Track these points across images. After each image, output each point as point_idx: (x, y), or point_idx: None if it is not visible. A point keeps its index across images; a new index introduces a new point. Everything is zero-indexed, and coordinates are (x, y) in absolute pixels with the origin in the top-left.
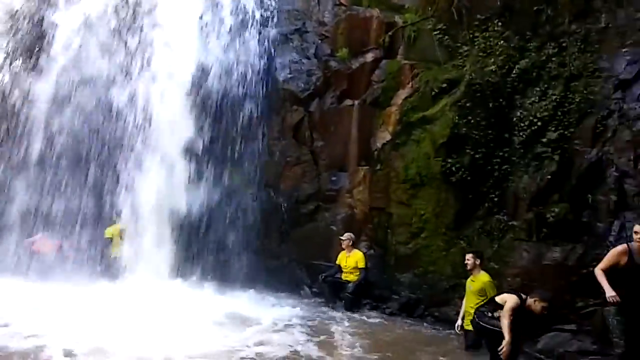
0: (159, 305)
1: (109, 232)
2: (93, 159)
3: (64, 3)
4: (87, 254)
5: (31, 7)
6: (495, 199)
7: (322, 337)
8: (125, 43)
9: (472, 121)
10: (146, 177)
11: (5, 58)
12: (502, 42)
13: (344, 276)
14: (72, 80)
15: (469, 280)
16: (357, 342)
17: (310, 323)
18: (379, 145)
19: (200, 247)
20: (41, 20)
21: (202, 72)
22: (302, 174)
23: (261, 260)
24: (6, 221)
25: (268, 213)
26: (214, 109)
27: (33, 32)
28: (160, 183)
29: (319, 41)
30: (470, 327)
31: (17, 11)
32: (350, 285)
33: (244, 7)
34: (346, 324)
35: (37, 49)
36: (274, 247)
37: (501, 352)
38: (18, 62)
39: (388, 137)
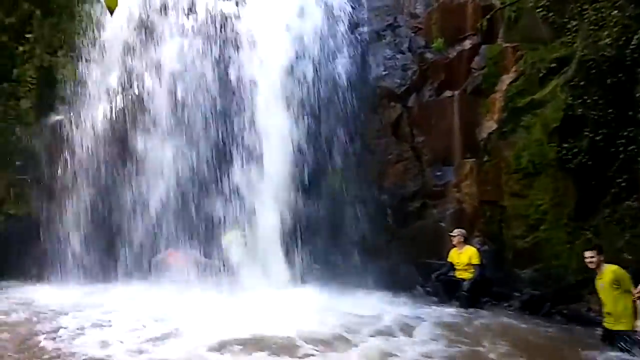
0: (280, 309)
1: (226, 238)
2: (204, 167)
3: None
4: (209, 262)
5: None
6: (623, 184)
7: (456, 336)
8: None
9: (588, 101)
10: (256, 183)
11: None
12: (615, 12)
13: (457, 274)
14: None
15: (596, 280)
16: (498, 341)
17: (437, 321)
18: (484, 135)
19: (310, 249)
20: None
21: (297, 76)
22: (404, 171)
23: (371, 261)
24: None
25: (373, 212)
26: (311, 112)
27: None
28: (270, 187)
29: (412, 34)
30: (618, 327)
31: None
32: (465, 283)
33: (335, 9)
34: (476, 322)
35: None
36: (383, 247)
37: None
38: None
39: (494, 125)
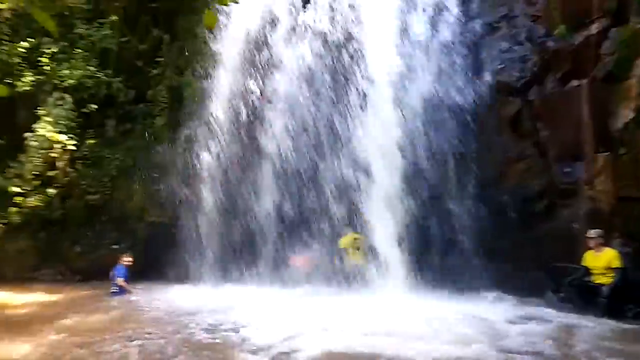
0: (401, 311)
1: (343, 242)
2: (321, 171)
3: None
4: (328, 265)
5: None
6: None
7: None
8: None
9: None
10: (369, 186)
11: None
12: None
13: (594, 279)
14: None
15: None
16: None
17: (593, 332)
18: (619, 125)
19: (427, 252)
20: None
21: (407, 73)
22: (526, 170)
23: (494, 264)
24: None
25: (493, 214)
26: (424, 111)
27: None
28: (383, 190)
29: (531, 23)
30: None
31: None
32: (604, 288)
33: (444, 2)
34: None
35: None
36: (507, 250)
37: None
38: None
39: (630, 114)
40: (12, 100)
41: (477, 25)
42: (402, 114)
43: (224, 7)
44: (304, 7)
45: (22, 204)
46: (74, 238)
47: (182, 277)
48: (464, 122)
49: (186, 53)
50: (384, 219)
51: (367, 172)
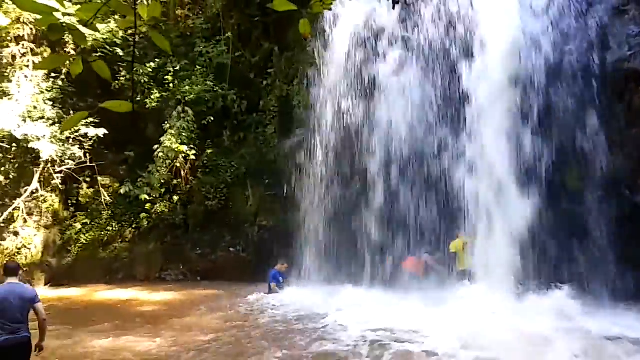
0: (516, 316)
1: (453, 246)
2: (426, 175)
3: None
4: (438, 268)
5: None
6: None
7: None
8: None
9: None
10: (481, 186)
11: None
12: None
13: None
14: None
15: None
16: None
17: None
18: None
19: (548, 256)
20: None
21: (525, 65)
22: None
23: (630, 271)
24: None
25: (626, 216)
26: (544, 105)
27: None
28: (499, 190)
29: None
30: None
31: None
32: None
33: None
34: None
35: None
36: None
37: None
38: None
39: None
40: (141, 115)
41: (601, 10)
42: (519, 109)
43: (331, 17)
44: (393, 7)
45: (151, 210)
46: (194, 241)
47: (295, 278)
48: (590, 117)
49: (294, 64)
50: (499, 222)
51: (479, 174)
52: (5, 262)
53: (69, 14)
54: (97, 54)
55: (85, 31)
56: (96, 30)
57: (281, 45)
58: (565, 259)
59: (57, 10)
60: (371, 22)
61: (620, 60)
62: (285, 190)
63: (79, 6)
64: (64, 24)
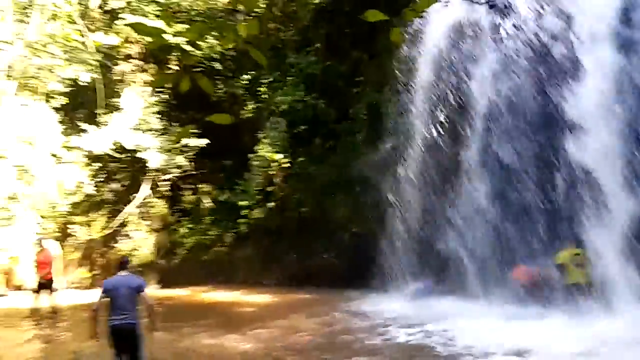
0: None
1: (561, 257)
2: (524, 183)
3: None
4: (548, 280)
5: None
6: None
7: None
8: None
9: None
10: (589, 196)
11: None
12: None
13: None
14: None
15: None
16: None
17: None
18: None
19: None
20: None
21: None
22: None
23: None
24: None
25: None
26: None
27: None
28: (605, 202)
29: None
30: None
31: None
32: None
33: None
34: None
35: None
36: None
37: None
38: None
39: None
40: (237, 126)
41: None
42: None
43: (422, 22)
44: (490, 7)
45: (248, 216)
46: (289, 247)
47: (382, 287)
48: None
49: (383, 71)
50: (608, 233)
51: (588, 180)
52: (120, 257)
53: (176, 35)
54: (197, 69)
55: (190, 49)
56: (199, 48)
57: (370, 53)
58: None
59: (167, 32)
60: (465, 27)
61: None
62: (377, 197)
63: (184, 25)
64: (173, 45)
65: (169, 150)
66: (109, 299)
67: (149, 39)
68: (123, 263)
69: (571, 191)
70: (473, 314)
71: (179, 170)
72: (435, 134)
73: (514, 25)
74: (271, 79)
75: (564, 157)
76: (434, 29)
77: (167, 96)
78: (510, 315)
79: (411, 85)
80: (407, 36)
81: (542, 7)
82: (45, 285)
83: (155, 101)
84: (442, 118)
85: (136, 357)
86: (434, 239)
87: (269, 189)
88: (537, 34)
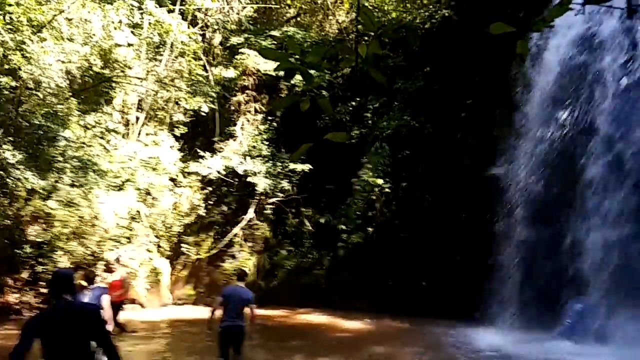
0: None
1: None
2: None
3: None
4: None
5: None
6: None
7: None
8: None
9: None
10: None
11: None
12: None
13: None
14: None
15: None
16: None
17: None
18: None
19: None
20: None
21: None
22: None
23: None
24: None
25: None
26: None
27: None
28: None
29: None
30: None
31: None
32: None
33: None
34: None
35: None
36: None
37: None
38: None
39: None
40: (340, 152)
41: None
42: None
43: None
44: (628, 17)
45: (347, 240)
46: (386, 272)
47: (490, 319)
48: None
49: (497, 92)
50: None
51: None
52: (239, 269)
53: (299, 59)
54: (306, 97)
55: (312, 73)
56: (323, 71)
57: (481, 75)
58: None
59: (292, 56)
60: (590, 40)
61: None
62: (484, 225)
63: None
64: (298, 68)
65: (275, 175)
66: (224, 304)
67: (268, 65)
68: (241, 275)
69: None
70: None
71: (283, 195)
72: (550, 160)
73: None
74: (377, 105)
75: None
76: (556, 45)
77: (275, 124)
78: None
79: (526, 106)
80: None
81: None
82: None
83: (265, 128)
84: (558, 141)
85: (239, 350)
86: (544, 271)
87: (370, 213)
88: None
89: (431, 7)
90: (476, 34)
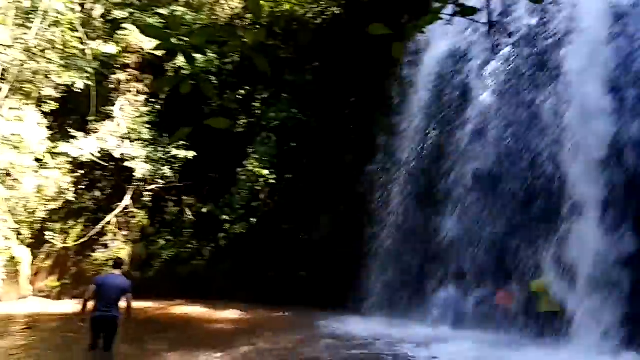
0: None
1: (534, 285)
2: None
3: None
4: (516, 307)
5: None
6: None
7: None
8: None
9: None
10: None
11: None
12: None
13: None
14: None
15: None
16: None
17: None
18: None
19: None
20: None
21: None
22: None
23: None
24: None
25: None
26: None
27: None
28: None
29: None
30: None
31: None
32: None
33: None
34: None
35: None
36: None
37: None
38: None
39: None
40: (226, 140)
41: None
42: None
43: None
44: (488, 32)
45: (229, 230)
46: (267, 263)
47: (358, 308)
48: None
49: (378, 91)
50: (585, 264)
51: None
52: (115, 257)
53: (181, 39)
54: (193, 82)
55: (195, 55)
56: (204, 53)
57: (366, 74)
58: None
59: (174, 36)
60: (461, 46)
61: None
62: (361, 218)
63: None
64: (180, 49)
65: (156, 161)
66: (97, 293)
67: (152, 44)
68: (118, 263)
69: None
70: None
71: (164, 182)
72: (425, 155)
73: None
74: (266, 95)
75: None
76: (433, 51)
77: (159, 107)
78: (485, 340)
79: (405, 106)
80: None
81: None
82: None
83: (147, 111)
84: (433, 140)
85: (110, 344)
86: (418, 261)
87: (254, 204)
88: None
89: (323, 3)
90: (362, 34)
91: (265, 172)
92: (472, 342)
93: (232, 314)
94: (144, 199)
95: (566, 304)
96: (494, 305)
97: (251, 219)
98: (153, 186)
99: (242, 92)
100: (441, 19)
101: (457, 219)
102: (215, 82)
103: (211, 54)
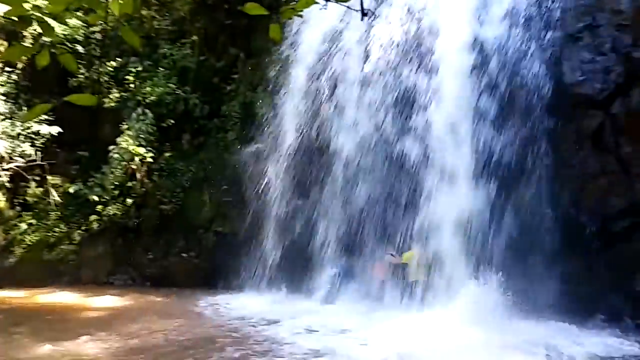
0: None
1: (405, 257)
2: (389, 184)
3: None
4: (390, 278)
5: None
6: None
7: None
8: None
9: None
10: (441, 200)
11: None
12: None
13: None
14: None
15: None
16: None
17: None
18: None
19: (497, 273)
20: None
21: (480, 85)
22: (608, 187)
23: (568, 288)
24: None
25: (570, 234)
26: (498, 124)
27: None
28: (454, 204)
29: (616, 33)
30: None
31: None
32: None
33: (521, 12)
34: None
35: None
36: (582, 273)
37: None
38: None
39: None
40: (97, 116)
41: (557, 36)
42: (476, 126)
43: (299, 27)
44: (362, 19)
45: (102, 212)
46: (146, 245)
47: (245, 286)
48: (542, 137)
49: (259, 71)
50: (451, 235)
51: (439, 187)
52: None
53: (37, 6)
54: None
55: (53, 24)
56: (65, 23)
57: (247, 51)
58: (516, 276)
59: (27, 2)
60: (338, 32)
61: (572, 85)
62: (243, 197)
63: None
64: (33, 16)
65: (14, 137)
66: None
67: (5, 7)
68: None
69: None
70: (327, 312)
71: (24, 160)
72: (305, 136)
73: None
74: (141, 68)
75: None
76: (311, 33)
77: (16, 77)
78: (359, 311)
79: (285, 86)
80: (285, 38)
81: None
82: None
83: (3, 81)
84: (312, 121)
85: None
86: (299, 240)
87: (129, 184)
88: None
89: None
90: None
91: (142, 150)
92: (342, 313)
93: (108, 299)
94: (1, 178)
95: (428, 273)
96: (370, 277)
97: (127, 200)
98: (11, 165)
99: (114, 64)
100: (317, 2)
101: (337, 193)
102: (82, 52)
103: (77, 21)
